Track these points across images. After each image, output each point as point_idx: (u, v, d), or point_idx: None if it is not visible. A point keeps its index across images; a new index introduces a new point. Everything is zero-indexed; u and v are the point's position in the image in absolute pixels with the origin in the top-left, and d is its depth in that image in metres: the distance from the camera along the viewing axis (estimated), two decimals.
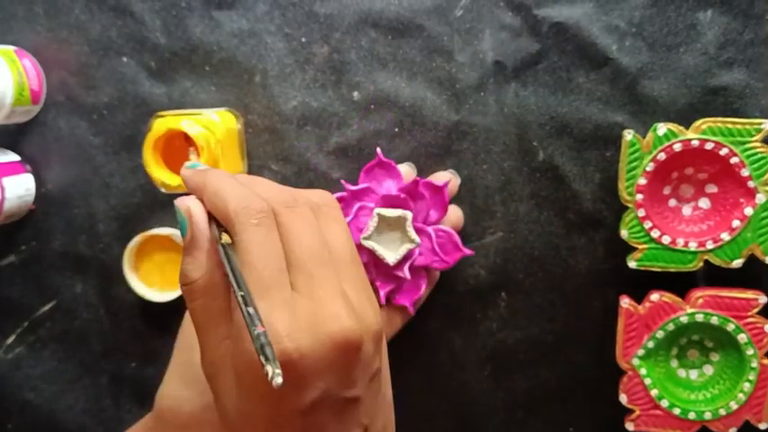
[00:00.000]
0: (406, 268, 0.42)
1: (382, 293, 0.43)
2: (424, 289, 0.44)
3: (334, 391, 0.29)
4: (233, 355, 0.29)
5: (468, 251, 0.44)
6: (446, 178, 0.44)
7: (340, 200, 0.44)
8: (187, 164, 0.35)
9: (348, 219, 0.43)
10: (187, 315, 0.42)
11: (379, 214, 0.42)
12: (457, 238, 0.43)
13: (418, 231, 0.43)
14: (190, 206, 0.32)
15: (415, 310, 0.45)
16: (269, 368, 0.25)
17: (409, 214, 0.42)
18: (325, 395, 0.29)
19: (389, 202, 0.43)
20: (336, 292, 0.30)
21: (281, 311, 0.28)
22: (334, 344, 0.28)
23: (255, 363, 0.27)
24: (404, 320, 0.45)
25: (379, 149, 0.43)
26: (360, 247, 0.43)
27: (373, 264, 0.43)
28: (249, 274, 0.29)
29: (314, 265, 0.30)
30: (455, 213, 0.46)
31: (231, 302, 0.31)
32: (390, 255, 0.42)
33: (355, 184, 0.44)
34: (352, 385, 0.30)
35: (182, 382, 0.39)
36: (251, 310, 0.27)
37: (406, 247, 0.42)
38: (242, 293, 0.28)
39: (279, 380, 0.25)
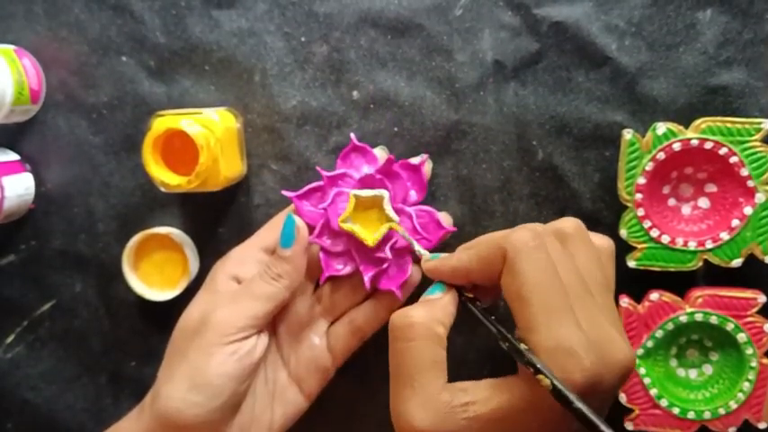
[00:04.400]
0: (387, 248, 0.42)
1: (366, 278, 0.42)
2: (410, 272, 0.43)
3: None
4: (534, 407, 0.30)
5: (450, 228, 0.43)
6: (422, 158, 0.43)
7: (317, 189, 0.43)
8: (428, 256, 0.39)
9: (325, 204, 0.43)
10: (184, 318, 0.42)
11: (354, 195, 0.42)
12: (438, 216, 0.43)
13: (398, 212, 0.42)
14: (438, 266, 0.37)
15: (405, 297, 0.44)
16: (549, 380, 0.28)
17: (386, 193, 0.42)
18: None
19: (365, 183, 0.43)
20: (605, 319, 0.31)
21: (577, 333, 0.30)
22: (620, 370, 0.30)
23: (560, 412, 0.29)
24: (392, 308, 0.43)
25: (352, 134, 0.43)
26: (338, 232, 0.43)
27: (355, 249, 0.43)
28: (537, 297, 0.31)
29: (576, 293, 0.32)
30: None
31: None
32: (369, 235, 0.42)
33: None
34: (604, 412, 0.31)
35: (193, 386, 0.38)
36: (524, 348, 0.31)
37: (386, 226, 0.41)
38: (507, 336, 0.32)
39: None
